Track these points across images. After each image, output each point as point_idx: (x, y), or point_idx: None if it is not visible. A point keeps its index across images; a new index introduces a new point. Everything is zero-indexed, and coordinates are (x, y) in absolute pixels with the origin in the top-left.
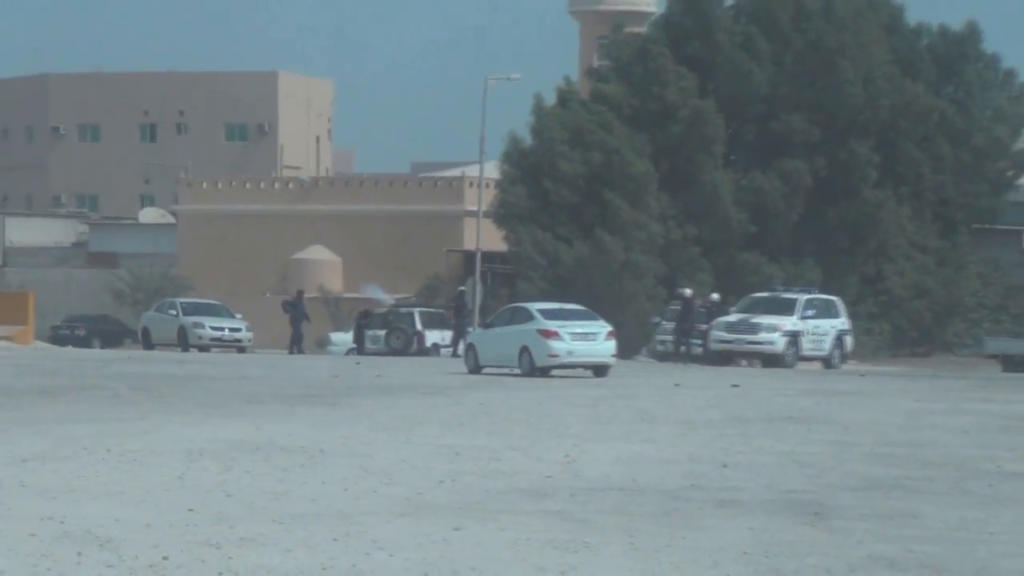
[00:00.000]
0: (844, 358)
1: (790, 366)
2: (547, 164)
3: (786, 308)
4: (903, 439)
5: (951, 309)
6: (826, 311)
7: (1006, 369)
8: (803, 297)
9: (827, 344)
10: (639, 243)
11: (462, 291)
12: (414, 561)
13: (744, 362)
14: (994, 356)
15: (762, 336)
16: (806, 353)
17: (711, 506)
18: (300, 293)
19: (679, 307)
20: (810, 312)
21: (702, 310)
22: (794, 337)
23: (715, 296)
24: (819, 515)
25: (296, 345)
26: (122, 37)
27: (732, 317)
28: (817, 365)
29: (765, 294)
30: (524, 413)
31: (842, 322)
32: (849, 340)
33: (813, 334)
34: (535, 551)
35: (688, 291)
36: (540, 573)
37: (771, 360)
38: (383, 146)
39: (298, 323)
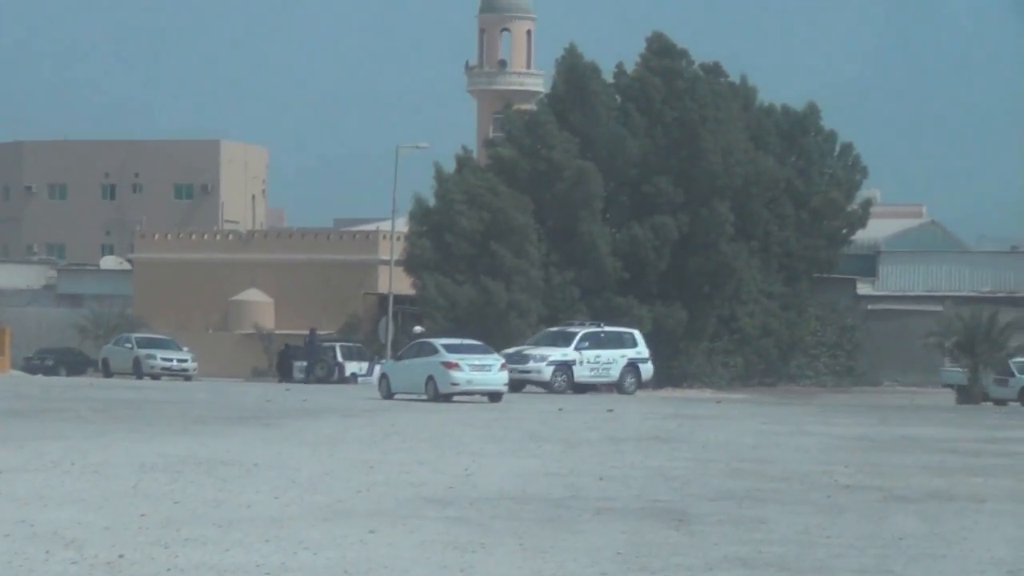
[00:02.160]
0: (638, 384)
1: (560, 392)
2: (447, 221)
3: (565, 340)
4: (753, 456)
5: (793, 346)
6: (616, 343)
7: (960, 400)
8: (581, 331)
9: (614, 371)
10: (520, 287)
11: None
12: (335, 560)
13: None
14: (949, 386)
15: (531, 365)
16: (586, 380)
17: (589, 513)
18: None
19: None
20: (586, 344)
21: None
22: (564, 366)
23: (418, 329)
24: (682, 521)
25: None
26: (86, 109)
27: (512, 349)
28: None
29: (555, 328)
30: (429, 433)
31: (636, 352)
32: (645, 368)
33: (593, 363)
34: (438, 551)
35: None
36: (442, 570)
37: (543, 385)
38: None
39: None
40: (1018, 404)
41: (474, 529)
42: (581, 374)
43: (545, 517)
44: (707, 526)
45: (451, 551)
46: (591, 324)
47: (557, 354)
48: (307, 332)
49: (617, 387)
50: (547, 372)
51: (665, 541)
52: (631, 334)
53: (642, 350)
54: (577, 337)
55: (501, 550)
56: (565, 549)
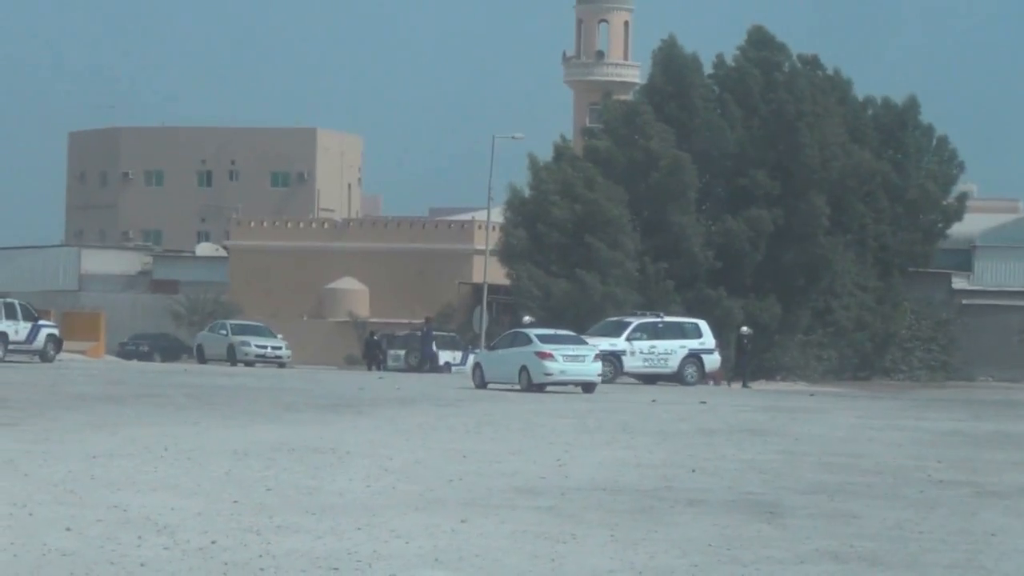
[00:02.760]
0: (702, 376)
1: (608, 380)
2: (542, 211)
3: (617, 330)
4: (846, 450)
5: (888, 340)
6: (676, 333)
7: None
8: (634, 321)
9: (673, 362)
10: (615, 278)
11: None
12: (426, 548)
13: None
14: None
15: None
16: (640, 370)
17: (681, 505)
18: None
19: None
20: (640, 334)
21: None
22: (612, 356)
23: (527, 319)
24: (774, 514)
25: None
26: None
27: None
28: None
29: (614, 318)
30: (522, 423)
31: (700, 342)
32: (709, 359)
33: (647, 353)
34: (530, 541)
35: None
36: (534, 560)
37: None
38: (405, 193)
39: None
40: None
41: (565, 520)
42: (632, 364)
43: (637, 508)
44: (798, 519)
45: (542, 541)
46: (651, 314)
47: (605, 344)
48: (422, 322)
49: (677, 378)
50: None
51: (756, 534)
52: (695, 324)
53: (707, 340)
54: (630, 327)
55: (592, 541)
56: (656, 540)
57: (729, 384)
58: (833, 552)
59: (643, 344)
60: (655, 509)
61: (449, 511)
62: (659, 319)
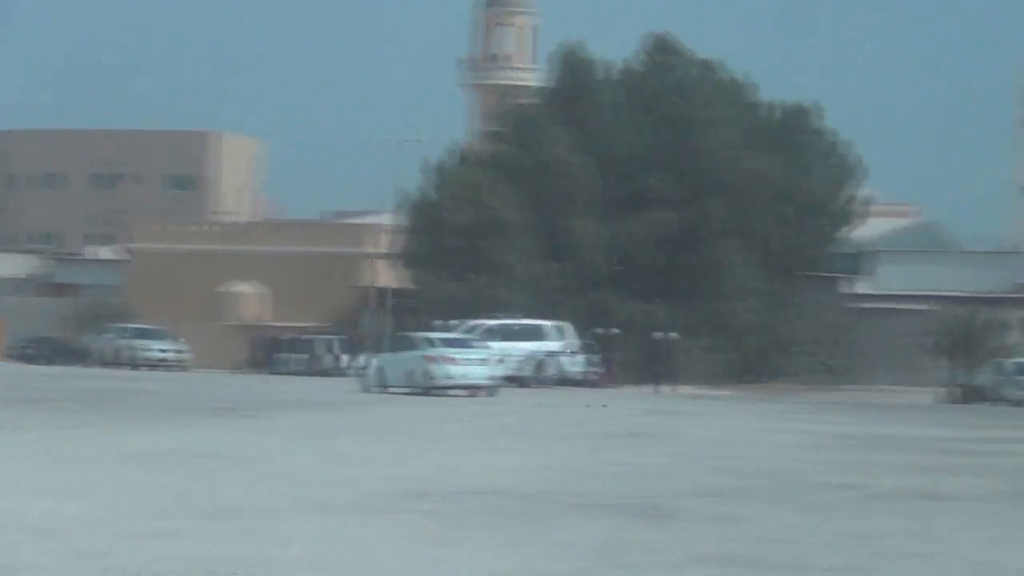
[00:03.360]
0: (545, 379)
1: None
2: (439, 216)
3: (472, 333)
4: (736, 453)
5: (783, 343)
6: (534, 335)
7: (960, 400)
8: (488, 324)
9: (526, 365)
10: (514, 283)
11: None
12: (307, 553)
13: None
14: (960, 386)
15: None
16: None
17: (566, 509)
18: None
19: None
20: (495, 336)
21: None
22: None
23: (453, 323)
24: (659, 518)
25: None
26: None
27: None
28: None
29: (474, 322)
30: (415, 426)
31: (559, 345)
32: (567, 361)
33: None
34: (410, 545)
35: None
36: (413, 565)
37: None
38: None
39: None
40: None
41: (448, 523)
42: None
43: (520, 512)
44: (684, 523)
45: (423, 545)
46: (513, 317)
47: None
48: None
49: (528, 379)
50: None
51: (641, 538)
52: (555, 327)
53: (570, 343)
54: (482, 330)
55: (473, 544)
56: (539, 544)
57: (656, 389)
58: (717, 555)
59: (496, 347)
60: (539, 513)
61: (333, 515)
62: (516, 322)
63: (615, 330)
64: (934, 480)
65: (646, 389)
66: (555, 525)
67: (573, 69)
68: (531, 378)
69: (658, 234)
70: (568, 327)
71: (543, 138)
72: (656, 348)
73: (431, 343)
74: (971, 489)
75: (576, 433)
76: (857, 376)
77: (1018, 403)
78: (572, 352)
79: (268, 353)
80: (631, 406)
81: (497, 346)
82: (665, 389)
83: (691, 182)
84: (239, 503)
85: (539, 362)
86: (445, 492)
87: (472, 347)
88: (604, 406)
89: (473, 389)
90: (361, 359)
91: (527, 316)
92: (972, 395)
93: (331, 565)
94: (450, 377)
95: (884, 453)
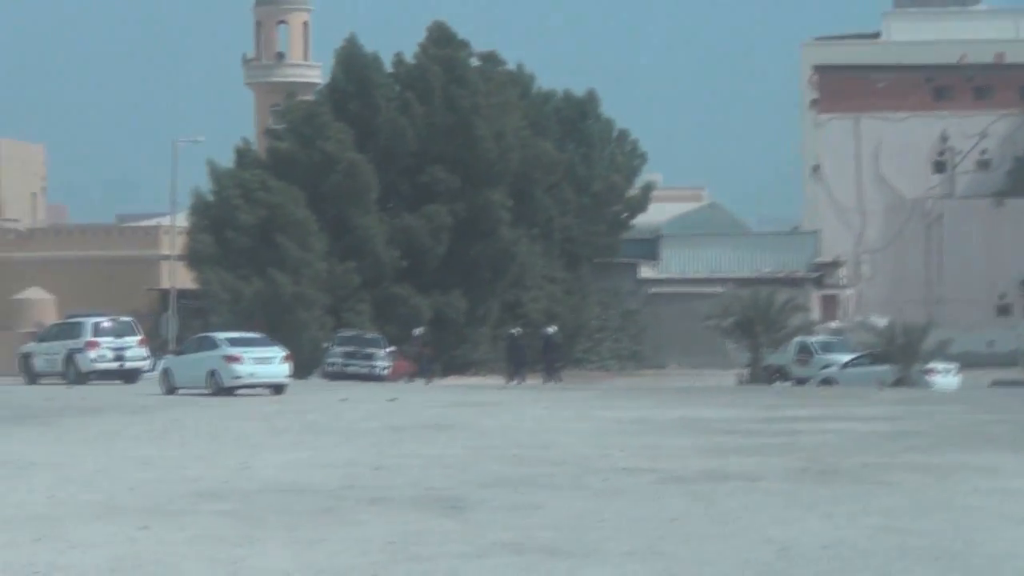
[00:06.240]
0: (76, 376)
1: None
2: (226, 215)
3: (38, 334)
4: (532, 442)
5: (577, 331)
6: (67, 334)
7: (749, 380)
8: (50, 324)
9: (60, 362)
10: (306, 279)
11: (420, 331)
12: (105, 557)
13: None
14: (767, 367)
15: None
16: (45, 371)
17: (364, 503)
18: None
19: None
20: (52, 335)
21: None
22: (24, 357)
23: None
24: (456, 508)
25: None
26: None
27: None
28: None
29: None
30: (209, 427)
31: (75, 342)
32: (82, 358)
33: (48, 354)
34: (210, 546)
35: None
36: (213, 564)
37: None
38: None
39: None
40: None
41: (247, 523)
42: (40, 366)
43: (319, 509)
44: (481, 513)
45: (222, 545)
46: (90, 316)
47: (25, 348)
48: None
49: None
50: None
51: (438, 529)
52: (79, 324)
53: (82, 339)
54: (44, 329)
55: (273, 543)
56: (338, 540)
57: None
58: (514, 544)
59: (46, 346)
60: (337, 509)
61: (130, 519)
62: (65, 321)
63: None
64: (726, 461)
65: (445, 382)
66: (354, 520)
67: (352, 64)
68: (69, 376)
69: (443, 225)
70: (87, 321)
71: (322, 135)
72: (447, 340)
73: (224, 343)
74: (761, 469)
75: (377, 427)
76: (661, 360)
77: (800, 381)
78: (81, 349)
79: (66, 359)
80: (431, 398)
81: (46, 346)
82: (465, 380)
83: (474, 172)
84: (37, 510)
85: (67, 360)
86: (246, 491)
87: (266, 346)
88: (392, 399)
89: (268, 388)
90: (160, 362)
91: (99, 314)
92: (772, 375)
93: (132, 568)
94: (242, 376)
95: (679, 436)
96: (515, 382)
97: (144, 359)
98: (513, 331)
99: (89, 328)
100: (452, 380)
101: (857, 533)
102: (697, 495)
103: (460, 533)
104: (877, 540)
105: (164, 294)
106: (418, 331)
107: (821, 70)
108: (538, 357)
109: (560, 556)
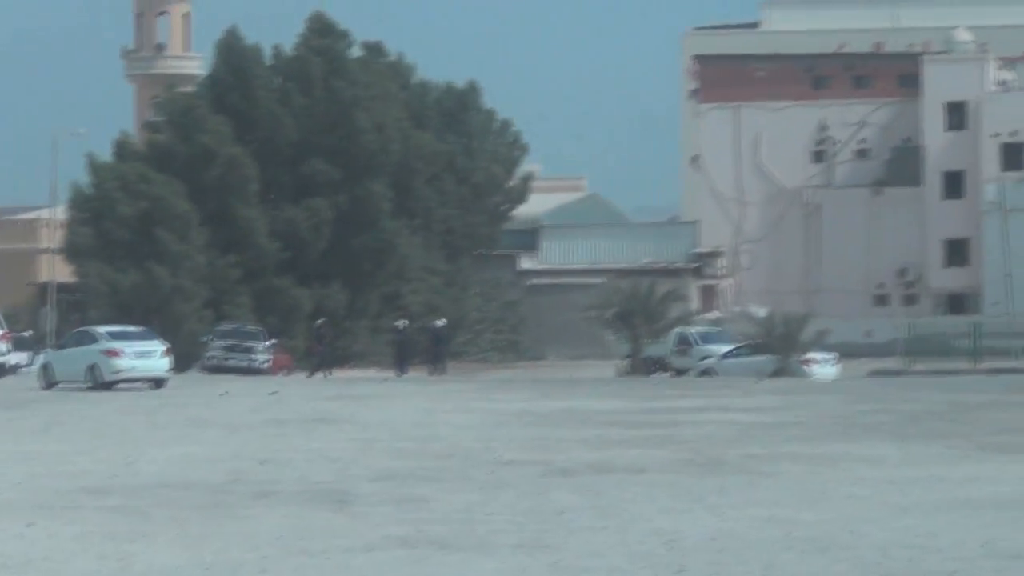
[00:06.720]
0: None
1: None
2: (105, 208)
3: None
4: (416, 435)
5: (458, 322)
6: None
7: (630, 372)
8: None
9: None
10: (185, 271)
11: (321, 322)
12: None
13: None
14: (647, 358)
15: None
16: None
17: (250, 498)
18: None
19: None
20: None
21: None
22: None
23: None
24: (343, 503)
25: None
26: None
27: None
28: None
29: None
30: (91, 422)
31: None
32: None
33: None
34: (97, 542)
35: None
36: (101, 561)
37: None
38: None
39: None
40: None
41: (134, 518)
42: None
43: (206, 503)
44: (368, 507)
45: (110, 541)
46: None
47: None
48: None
49: None
50: None
51: (326, 524)
52: None
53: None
54: None
55: (161, 538)
56: (226, 535)
57: (311, 375)
58: (402, 537)
59: None
60: (224, 503)
61: (15, 515)
62: None
63: (321, 320)
64: (611, 453)
65: (322, 375)
66: (242, 515)
67: (232, 55)
68: None
69: (321, 218)
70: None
71: (200, 127)
72: (323, 333)
73: (104, 337)
74: (646, 460)
75: (260, 421)
76: (542, 351)
77: (680, 372)
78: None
79: None
80: (313, 392)
81: None
82: (339, 374)
83: (354, 164)
84: None
85: None
86: (132, 487)
87: (146, 339)
88: (273, 393)
89: (149, 382)
90: (39, 356)
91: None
92: (652, 366)
93: (19, 566)
94: (123, 371)
95: (563, 428)
96: (402, 375)
97: (5, 354)
98: (399, 324)
99: None
100: (337, 373)
101: (744, 524)
102: (584, 487)
103: (349, 527)
104: (764, 531)
105: (43, 288)
106: (319, 322)
107: (701, 60)
108: (426, 350)
109: (450, 549)
